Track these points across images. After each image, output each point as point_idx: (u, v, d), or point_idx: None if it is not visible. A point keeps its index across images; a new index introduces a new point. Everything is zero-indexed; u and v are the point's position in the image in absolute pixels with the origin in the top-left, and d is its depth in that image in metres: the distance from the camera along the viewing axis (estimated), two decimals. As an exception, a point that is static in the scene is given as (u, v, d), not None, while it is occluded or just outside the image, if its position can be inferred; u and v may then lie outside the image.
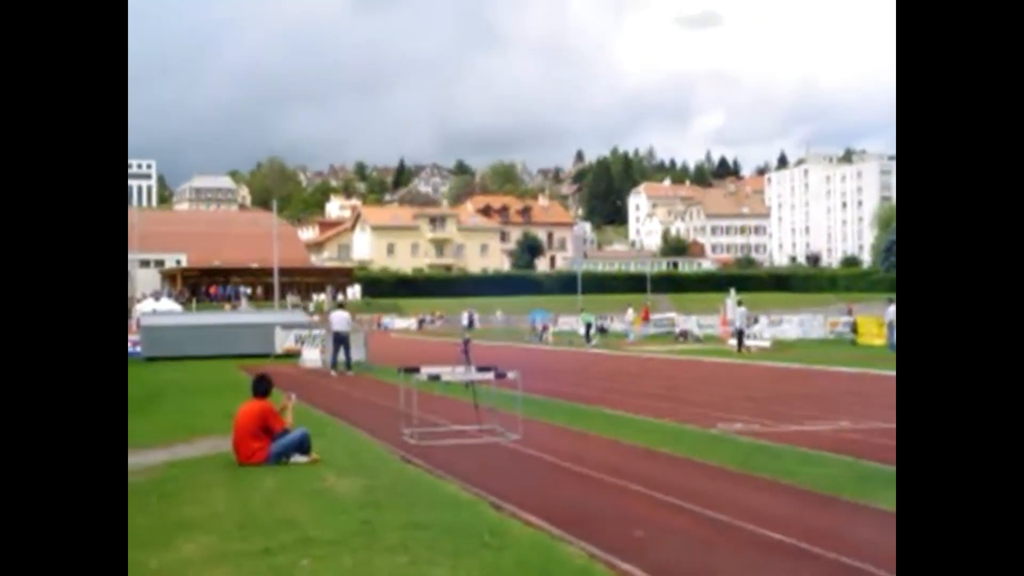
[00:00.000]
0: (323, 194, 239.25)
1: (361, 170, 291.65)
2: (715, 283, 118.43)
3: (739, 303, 44.10)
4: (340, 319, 30.12)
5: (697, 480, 10.69)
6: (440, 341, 55.98)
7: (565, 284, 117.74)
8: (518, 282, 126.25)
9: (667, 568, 6.78)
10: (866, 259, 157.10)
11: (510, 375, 14.73)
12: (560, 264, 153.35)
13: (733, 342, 42.12)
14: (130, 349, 43.28)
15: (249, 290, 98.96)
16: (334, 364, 29.33)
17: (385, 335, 72.67)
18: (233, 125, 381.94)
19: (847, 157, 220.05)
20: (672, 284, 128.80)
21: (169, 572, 7.03)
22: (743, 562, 7.13)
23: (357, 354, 32.64)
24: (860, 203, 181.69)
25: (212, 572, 6.91)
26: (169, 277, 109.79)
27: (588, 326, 52.07)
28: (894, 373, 26.50)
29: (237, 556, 7.33)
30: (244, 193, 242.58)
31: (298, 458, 11.73)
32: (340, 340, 29.56)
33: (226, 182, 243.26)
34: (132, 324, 51.87)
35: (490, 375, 15.02)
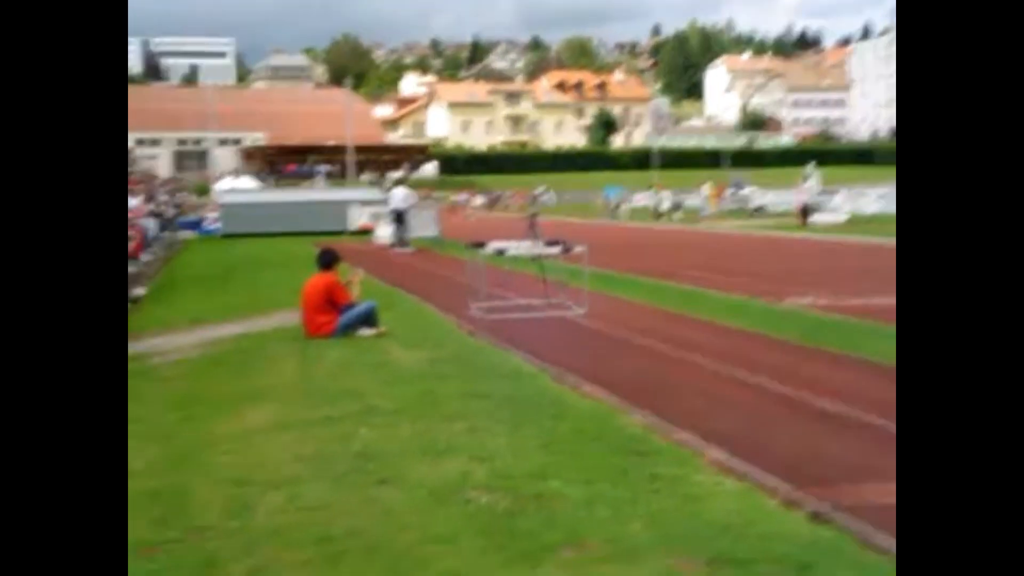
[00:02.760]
0: (398, 71, 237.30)
1: (436, 46, 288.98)
2: (794, 158, 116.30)
3: (806, 177, 43.53)
4: (399, 196, 30.25)
5: (762, 353, 10.66)
6: (514, 217, 55.99)
7: (641, 160, 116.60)
8: (594, 158, 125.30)
9: (723, 436, 6.80)
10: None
11: (577, 249, 14.71)
12: (636, 140, 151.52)
13: (814, 217, 41.76)
14: (210, 226, 44.10)
15: (326, 168, 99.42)
16: (397, 241, 29.52)
17: (461, 211, 72.81)
18: (308, 2, 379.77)
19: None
20: (751, 159, 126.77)
21: (235, 439, 7.23)
22: (800, 431, 7.15)
23: (429, 230, 32.86)
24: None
25: (276, 438, 7.09)
26: (247, 155, 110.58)
27: (659, 203, 51.84)
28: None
29: (300, 424, 7.50)
30: (320, 71, 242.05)
31: (365, 331, 11.88)
32: (399, 216, 29.72)
33: (302, 60, 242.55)
34: (211, 202, 52.69)
35: (556, 249, 15.02)
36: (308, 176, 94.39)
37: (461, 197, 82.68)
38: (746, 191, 65.72)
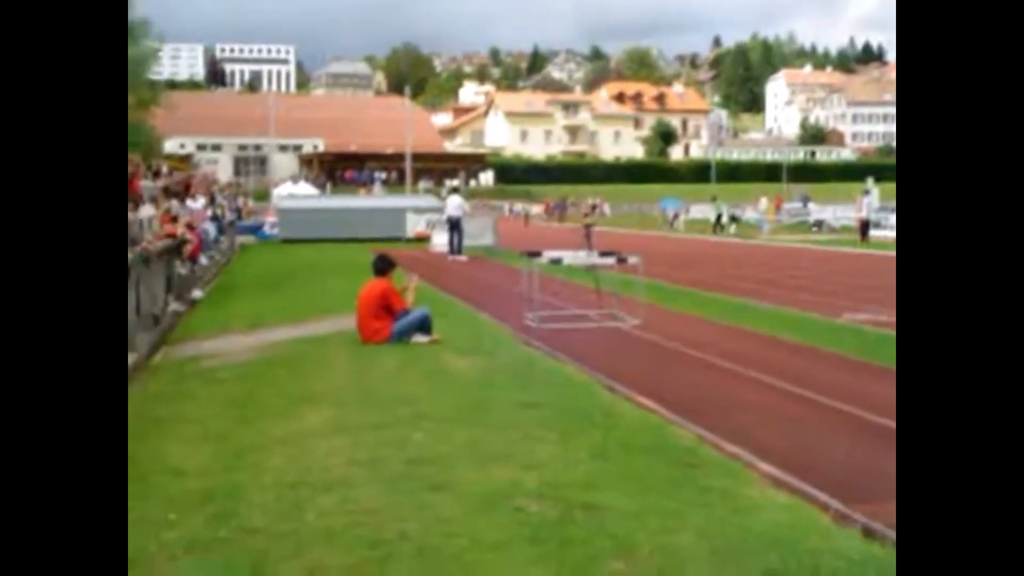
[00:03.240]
0: (457, 80, 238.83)
1: (495, 56, 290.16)
2: (855, 173, 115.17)
3: (866, 192, 43.23)
4: (453, 204, 30.43)
5: (816, 368, 10.59)
6: (570, 227, 56.02)
7: (699, 172, 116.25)
8: (652, 170, 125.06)
9: (774, 451, 6.76)
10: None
11: (631, 260, 14.69)
12: (694, 152, 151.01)
13: (876, 232, 41.45)
14: (268, 231, 44.55)
15: (384, 175, 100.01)
16: (451, 249, 29.64)
17: (518, 220, 72.87)
18: (369, 11, 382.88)
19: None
20: (810, 173, 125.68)
21: (292, 441, 7.29)
22: (853, 447, 7.08)
23: (485, 238, 32.99)
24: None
25: (329, 442, 7.14)
26: (306, 162, 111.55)
27: (719, 216, 51.53)
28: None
29: (355, 428, 7.56)
30: (379, 79, 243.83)
31: (419, 338, 11.94)
32: (453, 225, 29.87)
33: (362, 68, 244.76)
34: (270, 207, 53.20)
35: (611, 260, 15.01)
36: (366, 183, 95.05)
37: (518, 207, 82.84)
38: (811, 206, 65.22)
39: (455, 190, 35.10)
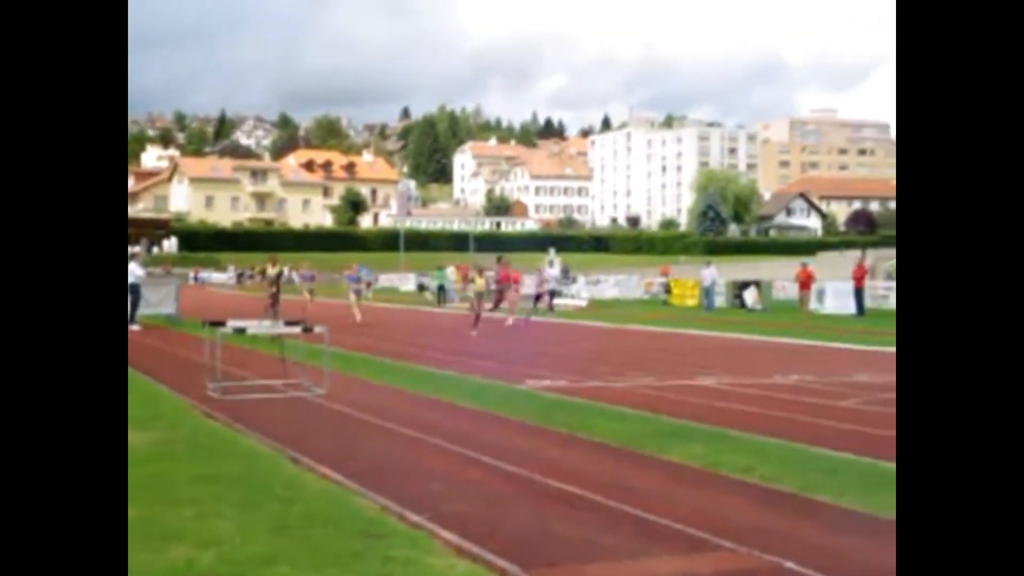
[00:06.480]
0: (139, 143, 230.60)
1: (180, 120, 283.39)
2: (537, 243, 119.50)
3: (550, 263, 44.85)
4: (129, 271, 29.25)
5: (498, 434, 10.80)
6: (258, 296, 55.03)
7: (388, 241, 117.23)
8: (341, 238, 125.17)
9: (456, 518, 6.83)
10: (683, 222, 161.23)
11: (317, 329, 14.58)
12: (384, 221, 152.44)
13: (556, 301, 42.82)
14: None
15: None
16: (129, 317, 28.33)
17: (201, 288, 70.99)
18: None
19: (668, 122, 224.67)
20: (495, 243, 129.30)
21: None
22: (533, 512, 7.25)
23: (166, 307, 31.88)
24: (679, 168, 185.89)
25: (-14, 527, 6.64)
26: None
27: (441, 286, 51.08)
28: (701, 332, 27.35)
29: (15, 511, 7.06)
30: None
31: (92, 411, 11.33)
32: (132, 292, 28.62)
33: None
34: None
35: (297, 329, 14.84)
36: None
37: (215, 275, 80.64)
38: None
39: (134, 257, 33.72)
